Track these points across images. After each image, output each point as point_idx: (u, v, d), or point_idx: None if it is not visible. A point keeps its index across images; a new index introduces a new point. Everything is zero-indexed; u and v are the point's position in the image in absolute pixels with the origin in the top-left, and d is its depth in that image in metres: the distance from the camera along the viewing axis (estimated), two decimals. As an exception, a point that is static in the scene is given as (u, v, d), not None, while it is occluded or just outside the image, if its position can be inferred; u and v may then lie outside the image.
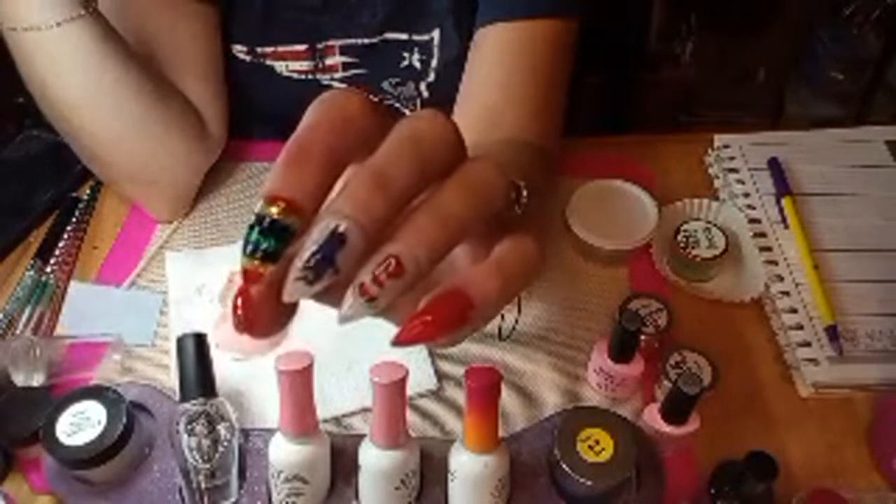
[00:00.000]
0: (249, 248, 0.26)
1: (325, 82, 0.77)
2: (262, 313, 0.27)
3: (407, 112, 0.80)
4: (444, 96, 0.71)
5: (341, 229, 0.26)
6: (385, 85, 0.77)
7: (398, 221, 0.28)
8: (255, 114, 0.82)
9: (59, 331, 0.67)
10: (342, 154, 0.28)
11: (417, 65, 0.75)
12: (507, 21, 0.66)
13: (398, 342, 0.29)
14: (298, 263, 0.26)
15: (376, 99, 0.78)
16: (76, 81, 0.62)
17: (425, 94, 0.78)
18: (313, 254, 0.26)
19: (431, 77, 0.76)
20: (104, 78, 0.63)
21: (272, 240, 0.26)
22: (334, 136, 0.28)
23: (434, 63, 0.75)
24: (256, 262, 0.26)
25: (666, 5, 1.31)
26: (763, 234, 0.71)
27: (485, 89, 0.67)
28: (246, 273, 0.26)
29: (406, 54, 0.75)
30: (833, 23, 1.54)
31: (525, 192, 0.34)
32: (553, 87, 0.67)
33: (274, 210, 0.26)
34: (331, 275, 0.26)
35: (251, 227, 0.26)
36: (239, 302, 0.27)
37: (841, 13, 1.52)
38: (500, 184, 0.30)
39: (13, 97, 1.28)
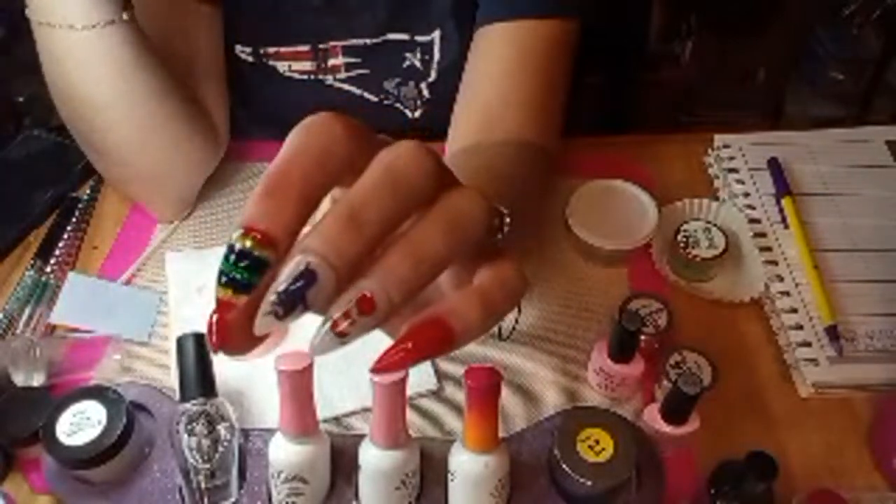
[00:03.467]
0: (223, 278, 0.26)
1: (329, 82, 0.77)
2: (236, 338, 0.27)
3: (405, 111, 0.80)
4: (445, 96, 0.72)
5: (312, 267, 0.26)
6: (387, 85, 0.78)
7: (376, 254, 0.28)
8: (255, 114, 0.82)
9: (51, 320, 0.67)
10: (321, 185, 0.28)
11: (419, 65, 0.75)
12: (507, 20, 0.66)
13: (377, 370, 0.29)
14: (269, 297, 0.26)
15: (376, 97, 0.78)
16: (107, 84, 0.62)
17: (426, 93, 0.78)
18: (283, 290, 0.26)
19: (433, 77, 0.76)
20: (136, 81, 0.62)
21: (245, 272, 0.26)
22: (313, 168, 0.27)
23: (435, 63, 0.75)
24: (230, 293, 0.26)
25: (666, 5, 1.31)
26: (763, 234, 0.71)
27: (484, 88, 0.67)
28: (219, 302, 0.26)
29: (408, 54, 0.75)
30: (833, 23, 1.54)
31: (508, 220, 0.34)
32: (553, 87, 0.67)
33: (248, 243, 0.26)
34: (300, 310, 0.26)
35: (226, 257, 0.26)
36: (214, 327, 0.27)
37: (841, 13, 1.53)
38: (481, 218, 0.30)
39: (13, 97, 1.28)
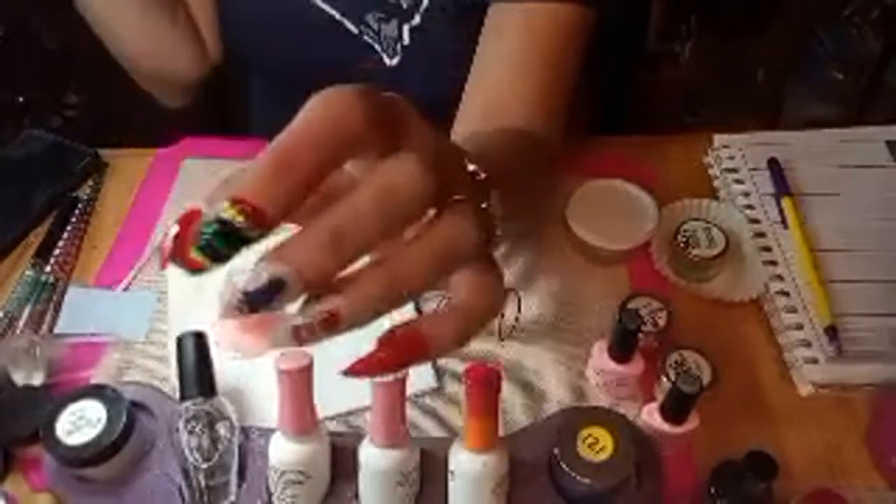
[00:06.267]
0: (202, 242, 0.25)
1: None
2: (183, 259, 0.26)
3: (383, 56, 0.77)
4: (424, 47, 0.70)
5: (284, 279, 0.26)
6: (369, 18, 0.75)
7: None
8: (224, 30, 0.84)
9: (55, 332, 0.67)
10: (328, 168, 0.27)
11: (404, 4, 0.74)
12: (520, 2, 0.65)
13: (350, 372, 0.29)
14: (239, 286, 0.26)
15: (356, 28, 0.75)
16: None
17: (406, 39, 0.75)
18: (253, 291, 0.26)
19: (416, 20, 0.74)
20: None
21: (225, 244, 0.25)
22: (323, 151, 0.27)
23: (422, 9, 0.73)
24: (207, 261, 0.26)
25: (666, 5, 1.31)
26: (763, 234, 0.71)
27: (494, 71, 0.66)
28: (190, 261, 0.26)
29: None
30: (833, 23, 1.54)
31: (499, 233, 0.33)
32: (562, 79, 0.66)
33: (239, 217, 0.25)
34: (265, 310, 0.26)
35: (209, 223, 0.25)
36: (166, 252, 0.26)
37: (841, 13, 1.53)
38: (470, 240, 0.30)
39: (13, 97, 1.28)
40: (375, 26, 0.76)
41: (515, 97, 0.64)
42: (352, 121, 0.27)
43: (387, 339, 0.29)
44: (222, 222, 0.25)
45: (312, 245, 0.26)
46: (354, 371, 0.29)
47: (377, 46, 0.76)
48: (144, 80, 0.86)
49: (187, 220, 0.26)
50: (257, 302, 0.26)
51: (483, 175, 0.41)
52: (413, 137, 0.31)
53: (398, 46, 0.76)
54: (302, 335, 0.27)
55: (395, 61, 0.77)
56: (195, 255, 0.25)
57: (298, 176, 0.26)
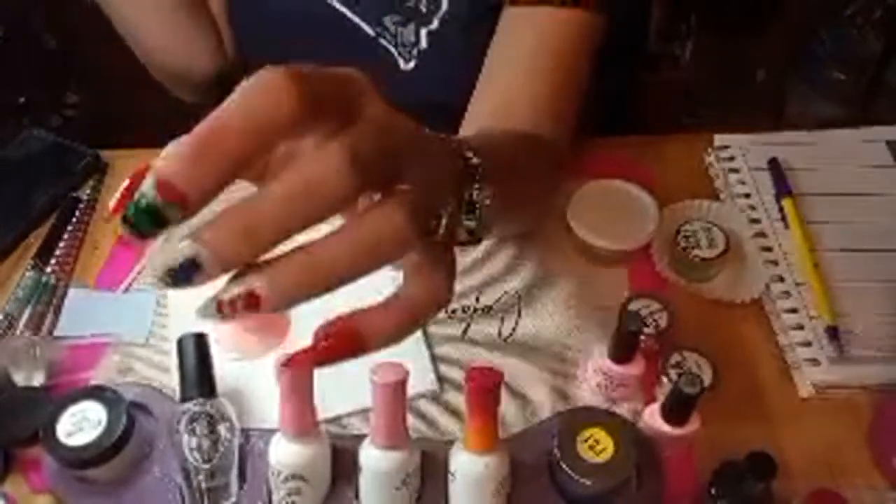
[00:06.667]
0: (126, 217, 0.25)
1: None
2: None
3: (399, 59, 0.78)
4: (441, 53, 0.70)
5: (200, 261, 0.26)
6: (386, 21, 0.75)
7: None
8: (241, 32, 0.83)
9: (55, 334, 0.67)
10: (255, 154, 0.27)
11: (423, 9, 0.73)
12: (532, 5, 0.65)
13: (287, 365, 0.30)
14: (159, 261, 0.26)
15: (372, 31, 0.76)
16: None
17: (424, 43, 0.75)
18: (172, 270, 0.26)
19: (435, 25, 0.74)
20: None
21: (148, 222, 0.25)
22: (250, 137, 0.26)
23: (441, 12, 0.73)
24: (128, 234, 0.26)
25: (666, 6, 1.31)
26: (763, 235, 0.71)
27: (503, 73, 0.66)
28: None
29: None
30: (833, 23, 1.54)
31: (445, 221, 0.33)
32: (572, 78, 0.66)
33: (160, 198, 0.25)
34: (185, 287, 0.27)
35: (134, 202, 0.25)
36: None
37: (841, 13, 1.53)
38: (398, 239, 0.29)
39: (13, 97, 1.28)
40: (393, 29, 0.76)
41: (524, 100, 0.64)
42: (282, 106, 0.27)
43: (323, 333, 0.30)
44: (146, 201, 0.25)
45: (227, 231, 0.26)
46: (293, 364, 0.30)
47: (393, 50, 0.77)
48: (158, 72, 0.86)
49: (138, 176, 0.27)
50: (177, 279, 0.26)
51: (475, 160, 0.42)
52: (363, 120, 0.30)
53: (415, 50, 0.76)
54: (224, 310, 0.28)
55: (410, 65, 0.77)
56: (121, 229, 0.26)
57: (221, 162, 0.26)
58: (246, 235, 0.26)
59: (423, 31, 0.75)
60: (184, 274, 0.26)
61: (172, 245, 0.26)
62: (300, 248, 0.28)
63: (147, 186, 0.25)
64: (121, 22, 0.80)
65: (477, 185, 0.42)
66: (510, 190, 0.53)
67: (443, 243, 0.33)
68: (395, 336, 0.31)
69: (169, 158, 0.26)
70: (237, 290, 0.27)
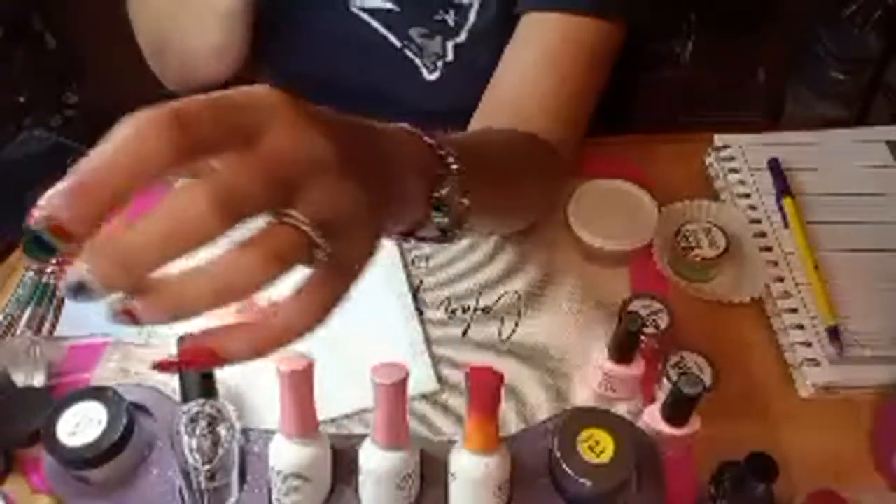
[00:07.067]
0: (26, 247, 0.29)
1: (353, 8, 0.75)
2: None
3: (423, 70, 0.77)
4: (466, 66, 0.70)
5: (85, 283, 0.28)
6: (413, 33, 0.75)
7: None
8: (267, 47, 0.80)
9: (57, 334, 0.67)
10: (130, 189, 0.29)
11: (451, 23, 0.73)
12: (548, 11, 0.65)
13: (155, 369, 0.33)
14: (62, 281, 0.29)
15: (399, 43, 0.75)
16: None
17: (450, 55, 0.76)
18: (69, 288, 0.29)
19: (462, 38, 0.74)
20: None
21: (41, 252, 0.28)
22: (123, 175, 0.29)
23: (469, 24, 0.73)
24: (28, 257, 0.28)
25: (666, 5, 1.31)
26: (763, 235, 0.71)
27: (512, 77, 0.66)
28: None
29: (441, 11, 0.73)
30: (833, 23, 1.54)
31: (322, 244, 0.33)
32: (586, 84, 0.66)
33: (46, 232, 0.28)
34: (84, 302, 0.29)
35: (27, 230, 0.28)
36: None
37: (841, 13, 1.53)
38: (258, 277, 0.31)
39: (13, 97, 1.28)
40: (419, 42, 0.76)
41: (534, 100, 0.65)
42: (150, 152, 0.29)
43: (181, 348, 0.32)
44: (34, 232, 0.28)
45: (104, 260, 0.29)
46: (159, 368, 0.33)
47: (417, 61, 0.76)
48: (189, 79, 0.79)
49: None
50: (76, 297, 0.29)
51: (451, 158, 0.43)
52: (251, 151, 0.31)
53: (440, 62, 0.76)
54: (116, 318, 0.30)
55: (434, 76, 0.77)
56: (26, 258, 0.29)
57: (97, 199, 0.28)
58: (123, 265, 0.29)
59: (450, 44, 0.75)
60: (77, 294, 0.29)
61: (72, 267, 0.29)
62: (172, 274, 0.30)
63: (36, 219, 0.28)
64: (174, 28, 0.74)
65: (447, 184, 0.44)
66: (492, 191, 0.53)
67: (335, 269, 0.34)
68: (247, 356, 0.33)
69: (53, 195, 0.28)
70: (117, 305, 0.30)
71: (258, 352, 0.33)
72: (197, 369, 0.33)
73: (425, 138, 0.45)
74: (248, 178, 0.30)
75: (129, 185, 0.29)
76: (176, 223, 0.29)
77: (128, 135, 0.29)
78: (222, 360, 0.33)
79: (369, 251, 0.37)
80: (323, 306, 0.34)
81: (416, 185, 0.43)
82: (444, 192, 0.44)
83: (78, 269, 0.28)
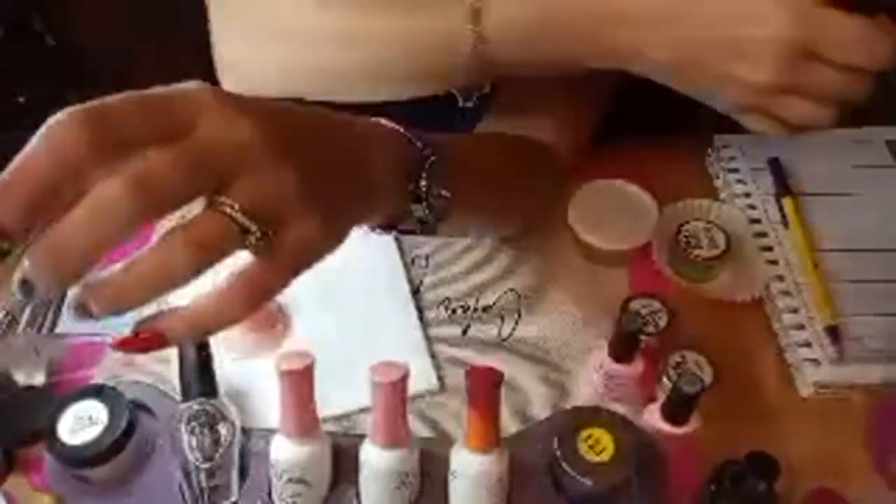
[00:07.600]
0: None
1: None
2: None
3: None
4: (499, 90, 0.70)
5: (28, 280, 0.29)
6: None
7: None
8: None
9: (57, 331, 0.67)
10: (53, 189, 0.30)
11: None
12: None
13: (113, 347, 0.34)
14: (12, 287, 0.30)
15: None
16: None
17: (487, 87, 0.74)
18: (18, 286, 0.30)
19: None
20: None
21: None
22: (43, 176, 0.29)
23: None
24: None
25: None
26: (764, 234, 0.71)
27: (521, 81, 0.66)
28: None
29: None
30: (833, 23, 1.53)
31: (259, 236, 0.34)
32: (593, 92, 0.66)
33: None
34: (38, 298, 0.30)
35: None
36: None
37: (841, 13, 1.52)
38: (185, 269, 0.32)
39: (13, 97, 1.28)
40: None
41: (541, 100, 0.64)
42: (69, 144, 0.30)
43: (133, 331, 0.34)
44: None
45: (41, 256, 0.30)
46: (116, 346, 0.34)
47: (455, 92, 0.75)
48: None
49: None
50: (26, 294, 0.30)
51: (428, 151, 0.44)
52: (177, 143, 0.32)
53: (476, 92, 0.74)
54: (74, 313, 0.32)
55: (469, 104, 0.76)
56: None
57: (25, 198, 0.29)
58: (57, 259, 0.30)
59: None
60: (23, 291, 0.30)
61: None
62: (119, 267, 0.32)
63: None
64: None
65: (426, 176, 0.44)
66: (481, 187, 0.53)
67: (273, 256, 0.35)
68: (191, 337, 0.35)
69: None
70: (74, 300, 0.31)
71: (193, 334, 0.35)
72: (147, 348, 0.34)
73: (399, 129, 0.45)
74: (166, 165, 0.31)
75: (51, 183, 0.29)
76: (95, 211, 0.30)
77: (45, 133, 0.30)
78: (167, 341, 0.34)
79: (317, 239, 0.36)
80: (251, 294, 0.34)
81: (387, 175, 0.43)
82: (422, 183, 0.44)
83: (21, 266, 0.29)
